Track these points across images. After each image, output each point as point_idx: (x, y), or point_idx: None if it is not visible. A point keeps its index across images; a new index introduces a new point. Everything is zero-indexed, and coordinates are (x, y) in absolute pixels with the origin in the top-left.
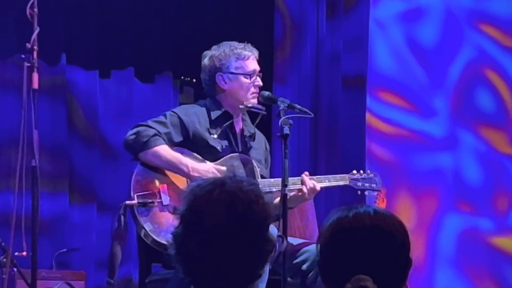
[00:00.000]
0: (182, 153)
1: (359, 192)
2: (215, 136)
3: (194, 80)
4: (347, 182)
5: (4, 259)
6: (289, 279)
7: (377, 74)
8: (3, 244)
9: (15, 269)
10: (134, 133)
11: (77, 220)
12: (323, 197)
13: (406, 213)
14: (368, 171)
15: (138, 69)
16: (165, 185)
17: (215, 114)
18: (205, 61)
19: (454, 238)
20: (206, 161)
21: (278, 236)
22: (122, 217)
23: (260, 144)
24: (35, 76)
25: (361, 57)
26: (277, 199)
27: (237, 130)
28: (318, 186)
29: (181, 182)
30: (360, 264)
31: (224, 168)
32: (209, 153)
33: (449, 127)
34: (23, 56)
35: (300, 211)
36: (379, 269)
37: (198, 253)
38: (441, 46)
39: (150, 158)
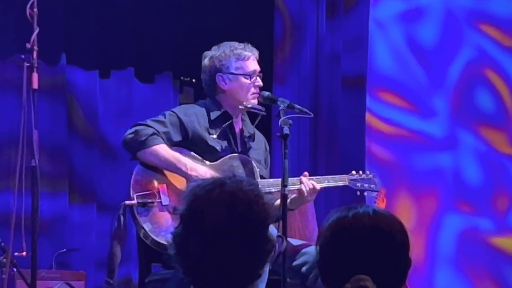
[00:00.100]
0: (181, 152)
1: (358, 193)
2: (215, 136)
3: (194, 80)
4: (346, 183)
5: (4, 259)
6: (288, 279)
7: (377, 74)
8: (2, 244)
9: (14, 269)
10: (133, 132)
11: (77, 220)
12: (322, 198)
13: (406, 213)
14: (368, 172)
15: (138, 69)
16: (165, 185)
17: (214, 114)
18: (205, 61)
19: (454, 238)
20: (205, 161)
21: (278, 236)
22: (122, 217)
23: (259, 144)
24: (35, 76)
25: (361, 57)
26: (278, 201)
27: (237, 130)
28: (318, 186)
29: (180, 182)
30: (359, 264)
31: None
32: (208, 153)
33: (449, 127)
34: (23, 56)
35: (300, 211)
36: (379, 269)
37: (198, 253)
38: (441, 46)
39: (148, 157)
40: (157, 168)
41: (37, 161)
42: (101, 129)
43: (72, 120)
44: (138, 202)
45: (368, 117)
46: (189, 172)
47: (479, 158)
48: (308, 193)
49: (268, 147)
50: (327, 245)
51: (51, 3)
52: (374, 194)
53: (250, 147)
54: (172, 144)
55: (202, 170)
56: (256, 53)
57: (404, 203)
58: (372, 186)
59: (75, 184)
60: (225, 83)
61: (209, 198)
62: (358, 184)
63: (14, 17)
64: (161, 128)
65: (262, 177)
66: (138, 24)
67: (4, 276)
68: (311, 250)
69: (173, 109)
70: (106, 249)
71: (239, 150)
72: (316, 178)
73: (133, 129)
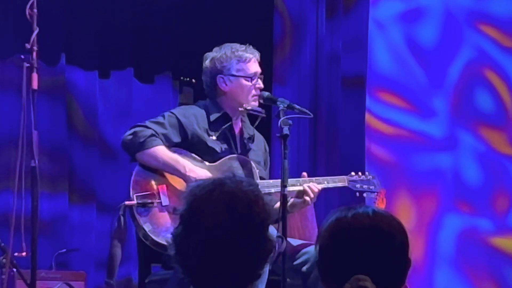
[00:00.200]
0: (180, 153)
1: (357, 194)
2: (214, 137)
3: (194, 80)
4: (345, 184)
5: (4, 260)
6: (288, 280)
7: (376, 74)
8: (2, 244)
9: (14, 270)
10: (131, 134)
11: (76, 221)
12: (322, 198)
13: (406, 213)
14: (367, 173)
15: (137, 70)
16: (164, 186)
17: (214, 116)
18: (206, 63)
19: (454, 238)
20: (204, 162)
21: (278, 236)
22: (122, 218)
23: (259, 145)
24: (35, 77)
25: (360, 57)
26: (277, 203)
27: (236, 131)
28: (319, 187)
29: (180, 183)
30: (359, 264)
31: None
32: (207, 155)
33: (448, 128)
34: (22, 56)
35: (300, 211)
36: (378, 269)
37: (197, 253)
38: (441, 47)
39: (147, 158)
40: (157, 169)
41: (36, 162)
42: (101, 129)
43: (71, 120)
44: (138, 203)
45: (367, 117)
46: (188, 174)
47: (478, 159)
48: (311, 199)
49: (267, 148)
50: (326, 246)
51: (51, 3)
52: (374, 195)
53: (250, 149)
54: (171, 145)
55: (201, 171)
56: (257, 55)
57: (404, 203)
58: (371, 187)
59: (75, 184)
60: (226, 85)
61: (209, 198)
62: (358, 185)
63: (13, 17)
64: (160, 130)
65: (261, 178)
66: (138, 25)
67: (4, 276)
68: (311, 250)
69: (173, 110)
70: (106, 249)
71: (239, 151)
72: (315, 179)
73: (132, 130)
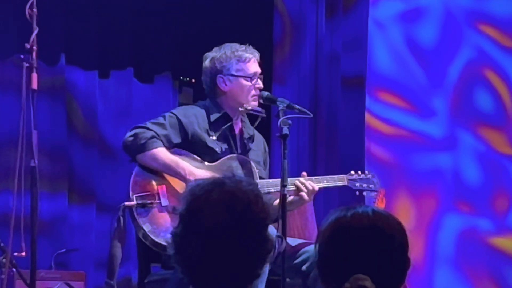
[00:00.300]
0: (180, 154)
1: (357, 193)
2: (214, 138)
3: (193, 80)
4: (345, 183)
5: (3, 260)
6: (288, 280)
7: (376, 74)
8: (2, 244)
9: (14, 270)
10: (132, 135)
11: (76, 221)
12: (322, 198)
13: (406, 213)
14: (366, 172)
15: (137, 70)
16: (164, 186)
17: (214, 116)
18: (206, 63)
19: (453, 238)
20: (204, 162)
21: (277, 236)
22: (121, 218)
23: (259, 145)
24: (34, 77)
25: (360, 57)
26: (276, 201)
27: (236, 132)
28: (317, 187)
29: (179, 183)
30: (358, 264)
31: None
32: (207, 155)
33: (448, 127)
34: (22, 56)
35: (299, 211)
36: (378, 269)
37: (197, 253)
38: (440, 46)
39: (148, 160)
40: (157, 170)
41: (36, 161)
42: (101, 129)
43: (71, 120)
44: (137, 203)
45: (367, 117)
46: (188, 177)
47: (478, 158)
48: (307, 194)
49: (267, 148)
50: (326, 245)
51: (51, 3)
52: (373, 194)
53: (250, 149)
54: (172, 146)
55: (201, 174)
56: (257, 55)
57: (403, 203)
58: (371, 186)
59: (75, 184)
60: (226, 85)
61: (209, 198)
62: (357, 184)
63: (13, 17)
64: (160, 131)
65: (261, 178)
66: (138, 25)
67: (3, 276)
68: (311, 248)
69: (173, 111)
70: (106, 249)
71: (239, 151)
72: (315, 178)
73: (133, 132)
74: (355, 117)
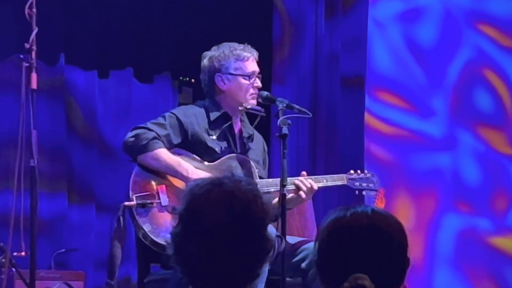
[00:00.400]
0: (180, 154)
1: (356, 192)
2: (214, 137)
3: (193, 80)
4: (344, 182)
5: (3, 259)
6: (288, 278)
7: (375, 74)
8: (1, 244)
9: (13, 269)
10: (133, 136)
11: (75, 221)
12: (321, 197)
13: (405, 213)
14: (366, 171)
15: (137, 70)
16: (164, 186)
17: (214, 115)
18: (205, 61)
19: (453, 238)
20: (204, 162)
21: (277, 236)
22: (121, 219)
23: (258, 145)
24: (34, 76)
25: (359, 57)
26: (275, 200)
27: (236, 131)
28: (316, 186)
29: (179, 183)
30: (357, 263)
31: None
32: (207, 154)
33: (447, 127)
34: (21, 56)
35: (299, 211)
36: (377, 269)
37: (196, 253)
38: (440, 46)
39: (149, 161)
40: (159, 171)
41: (36, 161)
42: (100, 129)
43: (71, 120)
44: (137, 203)
45: (367, 117)
46: (190, 177)
47: (478, 158)
48: (305, 193)
49: (266, 148)
50: (325, 244)
51: (50, 3)
52: (373, 193)
53: (249, 148)
54: (172, 147)
55: (202, 174)
56: (255, 54)
57: (403, 203)
58: (371, 185)
59: (74, 184)
60: (224, 84)
61: (208, 198)
62: (357, 183)
63: (13, 17)
64: (161, 131)
65: (260, 177)
66: (137, 24)
67: (3, 276)
68: (311, 246)
69: (173, 111)
70: (105, 249)
71: (238, 151)
72: (314, 178)
73: (134, 132)
74: (355, 117)
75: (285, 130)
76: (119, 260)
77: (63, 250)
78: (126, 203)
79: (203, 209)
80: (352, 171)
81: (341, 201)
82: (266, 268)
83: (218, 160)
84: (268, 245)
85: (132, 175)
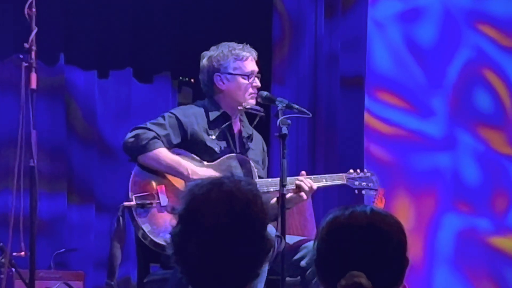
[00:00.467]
0: (179, 154)
1: (356, 191)
2: (214, 137)
3: (193, 80)
4: (344, 181)
5: (2, 260)
6: (288, 278)
7: (375, 74)
8: (1, 244)
9: (13, 270)
10: (133, 136)
11: (75, 221)
12: (321, 197)
13: (405, 213)
14: (365, 170)
15: (136, 69)
16: (163, 186)
17: (213, 115)
18: (204, 61)
19: (453, 238)
20: (204, 161)
21: (276, 236)
22: (121, 219)
23: (257, 145)
24: (33, 76)
25: (359, 57)
26: (274, 199)
27: (235, 131)
28: (315, 185)
29: (179, 183)
30: (357, 263)
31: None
32: (206, 154)
33: (447, 127)
34: (21, 56)
35: (298, 210)
36: (376, 268)
37: (196, 253)
38: (440, 46)
39: (149, 161)
40: (159, 171)
41: (35, 161)
42: (100, 129)
43: (70, 120)
44: (137, 204)
45: (366, 117)
46: (191, 176)
47: (477, 158)
48: (306, 192)
49: (265, 148)
50: (324, 244)
51: (50, 3)
52: (373, 193)
53: (249, 148)
54: (172, 146)
55: (203, 173)
56: (254, 53)
57: (402, 203)
58: (370, 184)
59: (74, 184)
60: (223, 83)
61: (207, 198)
62: (356, 183)
63: (12, 17)
64: (161, 131)
65: (260, 177)
66: (137, 24)
67: (2, 276)
68: (310, 244)
69: (172, 111)
70: (105, 250)
71: (238, 151)
72: (314, 177)
73: (134, 132)
74: (354, 117)
75: (284, 130)
76: (119, 260)
77: (62, 250)
78: (126, 203)
79: (203, 209)
80: (351, 170)
81: (340, 200)
82: (265, 268)
83: (218, 160)
84: (268, 245)
85: (132, 175)
